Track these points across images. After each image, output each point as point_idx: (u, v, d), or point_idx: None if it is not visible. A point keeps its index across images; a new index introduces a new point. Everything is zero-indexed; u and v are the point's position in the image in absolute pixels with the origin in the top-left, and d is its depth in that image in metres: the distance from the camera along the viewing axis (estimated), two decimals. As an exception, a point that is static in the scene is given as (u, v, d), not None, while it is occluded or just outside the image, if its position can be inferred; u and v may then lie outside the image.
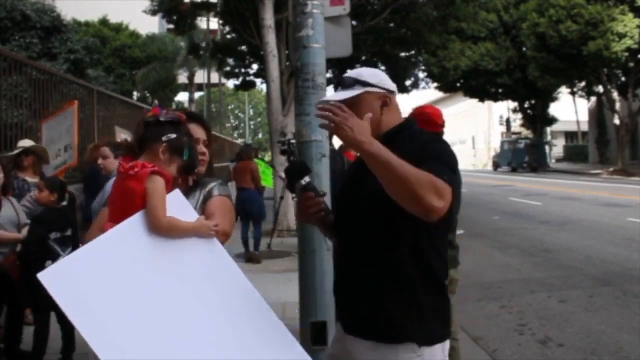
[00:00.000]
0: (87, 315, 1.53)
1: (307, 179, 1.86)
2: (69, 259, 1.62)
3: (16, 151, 4.92)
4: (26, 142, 5.04)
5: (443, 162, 1.69)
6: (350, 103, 1.79)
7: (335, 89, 1.95)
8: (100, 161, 4.28)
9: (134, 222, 1.66)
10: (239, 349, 1.62)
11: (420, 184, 1.55)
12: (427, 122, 3.11)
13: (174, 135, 1.73)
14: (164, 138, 1.72)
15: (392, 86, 1.89)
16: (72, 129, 5.60)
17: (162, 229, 1.65)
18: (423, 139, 1.83)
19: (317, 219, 1.91)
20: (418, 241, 1.75)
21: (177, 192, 1.77)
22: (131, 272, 1.61)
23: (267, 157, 12.73)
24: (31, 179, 4.76)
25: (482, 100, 37.56)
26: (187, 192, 1.99)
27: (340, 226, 1.90)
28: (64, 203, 4.01)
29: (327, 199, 2.23)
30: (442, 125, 3.29)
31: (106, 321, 1.54)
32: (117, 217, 1.68)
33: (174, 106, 27.16)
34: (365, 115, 1.69)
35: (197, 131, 2.05)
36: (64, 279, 1.56)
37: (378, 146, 1.59)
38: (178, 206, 1.73)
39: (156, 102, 1.98)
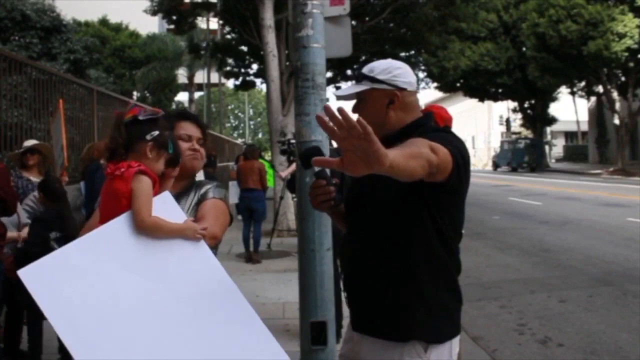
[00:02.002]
0: (65, 314, 1.52)
1: None
2: (51, 257, 1.60)
3: (21, 150, 4.91)
4: (31, 142, 5.03)
5: (448, 142, 1.63)
6: (359, 99, 1.82)
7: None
8: (102, 161, 4.32)
9: (120, 223, 1.65)
10: (218, 351, 1.61)
11: (419, 158, 1.47)
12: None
13: (157, 132, 1.75)
14: (148, 137, 1.73)
15: (407, 83, 1.82)
16: (61, 128, 5.60)
17: (146, 228, 1.65)
18: (434, 131, 1.76)
19: (327, 208, 1.89)
20: (429, 237, 1.73)
21: (166, 194, 1.76)
22: (112, 272, 1.60)
23: (267, 157, 12.72)
24: (35, 178, 4.74)
25: (482, 100, 37.57)
26: (182, 193, 2.00)
27: (350, 223, 1.89)
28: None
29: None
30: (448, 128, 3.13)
31: (84, 320, 1.52)
32: (106, 218, 1.68)
33: (173, 106, 27.18)
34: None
35: (191, 129, 2.07)
36: (44, 277, 1.55)
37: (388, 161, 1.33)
38: (167, 207, 1.72)
39: (132, 101, 2.00)
